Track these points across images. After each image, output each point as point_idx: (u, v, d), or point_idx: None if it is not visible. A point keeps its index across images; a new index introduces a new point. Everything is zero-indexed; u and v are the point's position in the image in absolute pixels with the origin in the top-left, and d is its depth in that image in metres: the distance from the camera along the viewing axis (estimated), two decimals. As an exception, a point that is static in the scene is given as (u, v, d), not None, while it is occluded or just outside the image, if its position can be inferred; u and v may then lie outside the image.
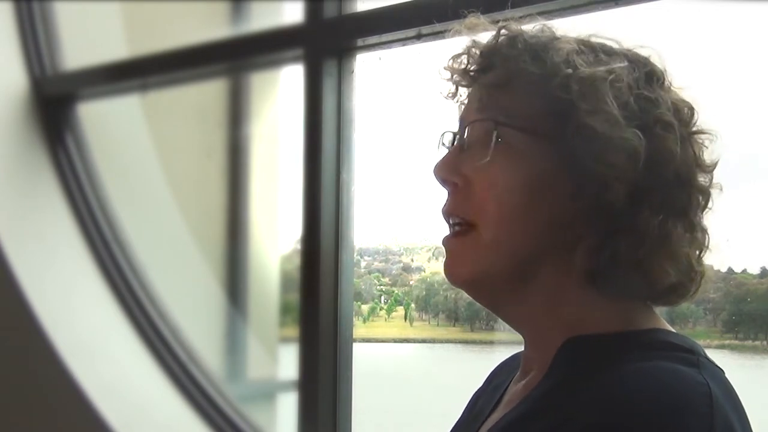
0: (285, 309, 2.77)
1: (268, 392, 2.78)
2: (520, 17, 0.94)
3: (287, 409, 2.07)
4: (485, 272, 0.88)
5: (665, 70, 0.90)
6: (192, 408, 2.30)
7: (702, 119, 0.89)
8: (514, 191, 0.86)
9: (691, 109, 0.89)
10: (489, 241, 0.87)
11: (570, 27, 0.93)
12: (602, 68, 0.86)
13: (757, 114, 1.53)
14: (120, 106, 2.59)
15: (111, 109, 2.60)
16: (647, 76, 0.88)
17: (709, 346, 1.82)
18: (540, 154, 0.86)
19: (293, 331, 1.94)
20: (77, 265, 2.48)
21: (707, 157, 0.88)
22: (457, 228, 0.91)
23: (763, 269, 1.81)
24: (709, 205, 0.88)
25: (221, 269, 2.76)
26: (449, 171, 0.91)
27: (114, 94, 2.51)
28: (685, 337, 0.86)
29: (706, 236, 0.88)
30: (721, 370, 0.83)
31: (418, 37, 1.66)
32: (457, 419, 1.05)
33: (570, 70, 0.85)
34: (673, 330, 0.88)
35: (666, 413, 0.73)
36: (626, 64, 0.87)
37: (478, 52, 0.92)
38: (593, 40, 0.91)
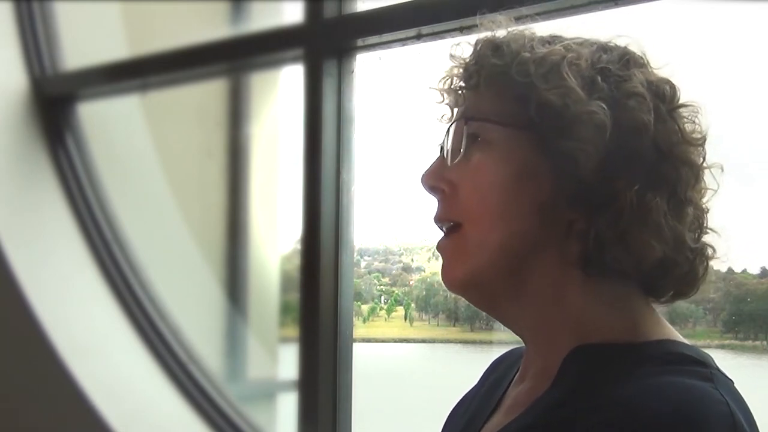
0: (285, 309, 2.77)
1: (268, 392, 2.79)
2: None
3: (287, 409, 2.07)
4: (477, 272, 0.88)
5: (644, 55, 0.91)
6: (192, 408, 2.30)
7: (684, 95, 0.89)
8: (496, 186, 0.87)
9: (672, 86, 0.89)
10: (476, 241, 0.88)
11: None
12: (558, 46, 0.87)
13: (757, 114, 1.53)
14: (120, 106, 2.59)
15: (111, 109, 2.60)
16: (620, 57, 0.88)
17: (709, 346, 1.83)
18: (516, 144, 0.87)
19: (293, 331, 1.94)
20: (77, 265, 2.48)
21: (695, 132, 0.88)
22: (445, 230, 0.92)
23: (763, 269, 1.81)
24: (704, 184, 0.88)
25: (221, 269, 2.76)
26: (434, 178, 0.92)
27: (114, 94, 2.51)
28: (696, 348, 0.85)
29: (704, 215, 0.88)
30: (731, 380, 0.83)
31: (418, 37, 1.66)
32: (445, 422, 1.04)
33: (527, 54, 0.86)
34: (684, 339, 0.87)
35: None
36: (593, 47, 0.88)
37: (459, 69, 0.93)
38: (562, 35, 0.92)
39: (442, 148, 0.94)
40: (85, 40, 2.65)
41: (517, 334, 0.94)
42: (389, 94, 2.07)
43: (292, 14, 1.99)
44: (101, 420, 2.20)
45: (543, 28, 0.94)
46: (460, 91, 0.94)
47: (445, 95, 0.95)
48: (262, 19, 2.73)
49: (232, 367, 2.71)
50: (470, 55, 0.92)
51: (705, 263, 0.88)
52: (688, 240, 0.85)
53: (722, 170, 0.89)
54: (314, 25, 1.85)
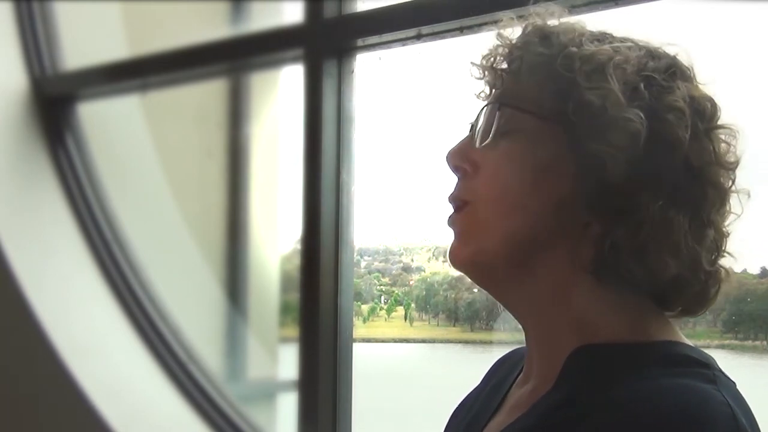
0: (285, 309, 2.77)
1: (268, 392, 2.79)
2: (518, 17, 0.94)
3: (287, 409, 2.07)
4: (483, 254, 0.88)
5: (691, 68, 0.89)
6: (192, 408, 2.30)
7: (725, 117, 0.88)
8: (518, 177, 0.86)
9: (714, 105, 0.87)
10: (486, 222, 0.87)
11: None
12: (607, 47, 0.86)
13: (757, 115, 1.53)
14: (120, 106, 2.59)
15: (111, 109, 2.60)
16: (667, 67, 0.87)
17: (709, 346, 1.83)
18: (546, 136, 0.86)
19: (293, 331, 1.94)
20: (77, 265, 2.48)
21: (730, 154, 0.87)
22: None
23: (763, 269, 1.81)
24: (729, 207, 0.87)
25: (221, 269, 2.76)
26: (459, 157, 0.91)
27: (114, 94, 2.51)
28: (699, 350, 0.85)
29: (723, 239, 0.87)
30: (733, 382, 0.82)
31: (418, 37, 1.66)
32: (447, 423, 1.04)
33: (575, 49, 0.85)
34: (687, 341, 0.86)
35: None
36: (642, 52, 0.87)
37: (504, 49, 0.92)
38: (613, 33, 0.91)
39: (473, 127, 0.92)
40: (85, 40, 2.65)
41: (518, 320, 0.93)
42: (389, 94, 2.07)
43: (292, 14, 1.99)
44: (101, 420, 2.20)
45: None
46: (500, 73, 0.92)
47: (486, 73, 0.93)
48: (262, 19, 2.73)
49: (232, 367, 2.71)
50: (518, 38, 0.90)
51: (717, 286, 0.87)
52: (704, 262, 0.84)
53: (749, 196, 0.88)
54: (314, 25, 1.85)
